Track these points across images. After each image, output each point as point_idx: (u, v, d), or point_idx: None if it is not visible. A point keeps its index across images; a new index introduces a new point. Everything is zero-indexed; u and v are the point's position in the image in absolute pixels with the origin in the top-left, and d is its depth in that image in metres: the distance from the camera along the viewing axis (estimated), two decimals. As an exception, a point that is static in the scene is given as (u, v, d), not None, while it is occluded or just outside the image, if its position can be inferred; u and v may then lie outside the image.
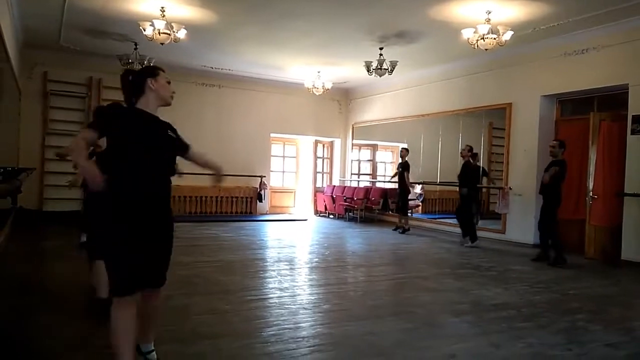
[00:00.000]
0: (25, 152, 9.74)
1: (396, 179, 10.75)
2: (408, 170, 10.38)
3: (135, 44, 8.91)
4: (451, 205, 11.48)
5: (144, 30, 7.18)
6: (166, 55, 9.54)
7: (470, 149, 8.84)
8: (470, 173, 8.84)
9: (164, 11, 7.08)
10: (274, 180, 13.62)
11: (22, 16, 7.95)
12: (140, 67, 8.97)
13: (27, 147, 9.85)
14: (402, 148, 10.99)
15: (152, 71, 2.79)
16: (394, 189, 11.06)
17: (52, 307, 4.24)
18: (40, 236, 8.36)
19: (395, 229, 10.52)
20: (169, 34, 7.20)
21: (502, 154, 9.46)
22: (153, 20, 7.10)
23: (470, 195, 8.81)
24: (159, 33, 7.12)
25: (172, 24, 7.18)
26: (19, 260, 6.38)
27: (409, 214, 10.85)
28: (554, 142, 7.31)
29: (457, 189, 8.91)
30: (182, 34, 7.34)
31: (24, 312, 4.08)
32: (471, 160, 8.84)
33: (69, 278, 5.38)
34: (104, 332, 3.60)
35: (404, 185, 10.37)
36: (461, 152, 8.98)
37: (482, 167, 9.78)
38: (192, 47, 9.15)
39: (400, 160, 10.70)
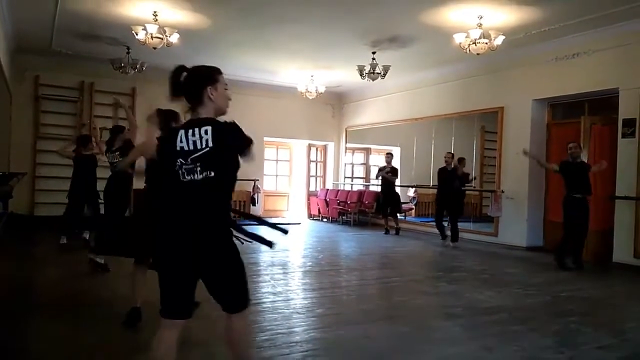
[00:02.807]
0: (16, 157, 9.66)
1: (379, 181, 10.89)
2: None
3: (128, 48, 8.88)
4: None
5: (137, 34, 7.16)
6: (159, 60, 9.47)
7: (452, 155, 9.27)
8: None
9: (157, 15, 7.07)
10: (267, 184, 13.60)
11: (14, 20, 7.91)
12: (134, 70, 9.05)
13: (18, 151, 9.77)
14: (388, 153, 11.05)
15: (211, 76, 2.39)
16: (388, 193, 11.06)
17: (42, 312, 4.22)
18: (32, 241, 8.30)
19: (386, 233, 10.57)
20: (162, 38, 7.19)
21: (494, 158, 9.51)
22: (145, 25, 7.09)
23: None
24: (152, 37, 7.11)
25: (165, 28, 7.17)
26: (10, 265, 6.32)
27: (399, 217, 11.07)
28: (574, 143, 7.05)
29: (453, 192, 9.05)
30: (174, 38, 7.33)
31: (14, 316, 4.05)
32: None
33: (59, 282, 5.35)
34: (93, 336, 3.61)
35: (394, 190, 10.73)
36: (448, 160, 9.13)
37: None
38: (184, 51, 9.10)
39: (387, 165, 10.75)
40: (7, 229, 8.55)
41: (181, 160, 2.27)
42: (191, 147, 2.26)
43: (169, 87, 2.38)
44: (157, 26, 7.09)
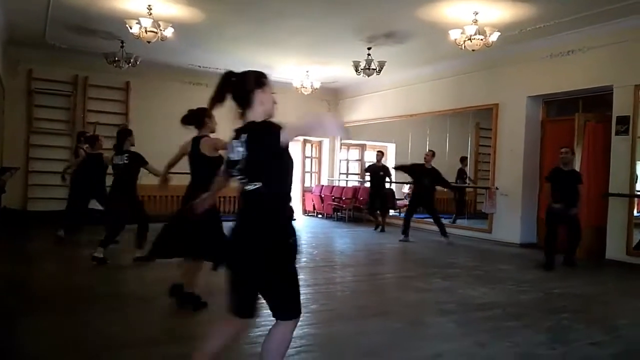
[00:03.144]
0: (9, 151, 9.59)
1: (368, 177, 10.88)
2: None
3: (122, 42, 8.81)
4: (439, 205, 11.58)
5: (131, 28, 7.11)
6: (153, 54, 9.45)
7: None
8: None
9: (151, 9, 7.01)
10: (262, 180, 13.54)
11: (7, 12, 7.83)
12: (128, 64, 8.98)
13: (11, 146, 9.68)
14: (379, 151, 11.04)
15: (260, 80, 2.41)
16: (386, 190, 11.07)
17: (38, 309, 4.19)
18: (26, 236, 8.25)
19: (381, 230, 10.56)
20: (156, 32, 7.13)
21: (489, 154, 9.53)
22: (140, 18, 7.02)
23: None
24: (146, 31, 7.05)
25: (159, 22, 7.12)
26: (4, 261, 6.28)
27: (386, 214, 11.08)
28: (566, 148, 6.92)
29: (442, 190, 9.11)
30: (169, 32, 7.28)
31: (10, 313, 4.02)
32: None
33: (54, 278, 5.33)
34: (92, 333, 3.59)
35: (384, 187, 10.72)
36: (427, 158, 9.06)
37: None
38: (179, 45, 9.07)
39: (377, 163, 10.73)
40: (1, 224, 8.50)
41: (232, 171, 2.35)
42: (238, 157, 2.29)
43: (215, 92, 2.38)
44: (152, 20, 7.03)
